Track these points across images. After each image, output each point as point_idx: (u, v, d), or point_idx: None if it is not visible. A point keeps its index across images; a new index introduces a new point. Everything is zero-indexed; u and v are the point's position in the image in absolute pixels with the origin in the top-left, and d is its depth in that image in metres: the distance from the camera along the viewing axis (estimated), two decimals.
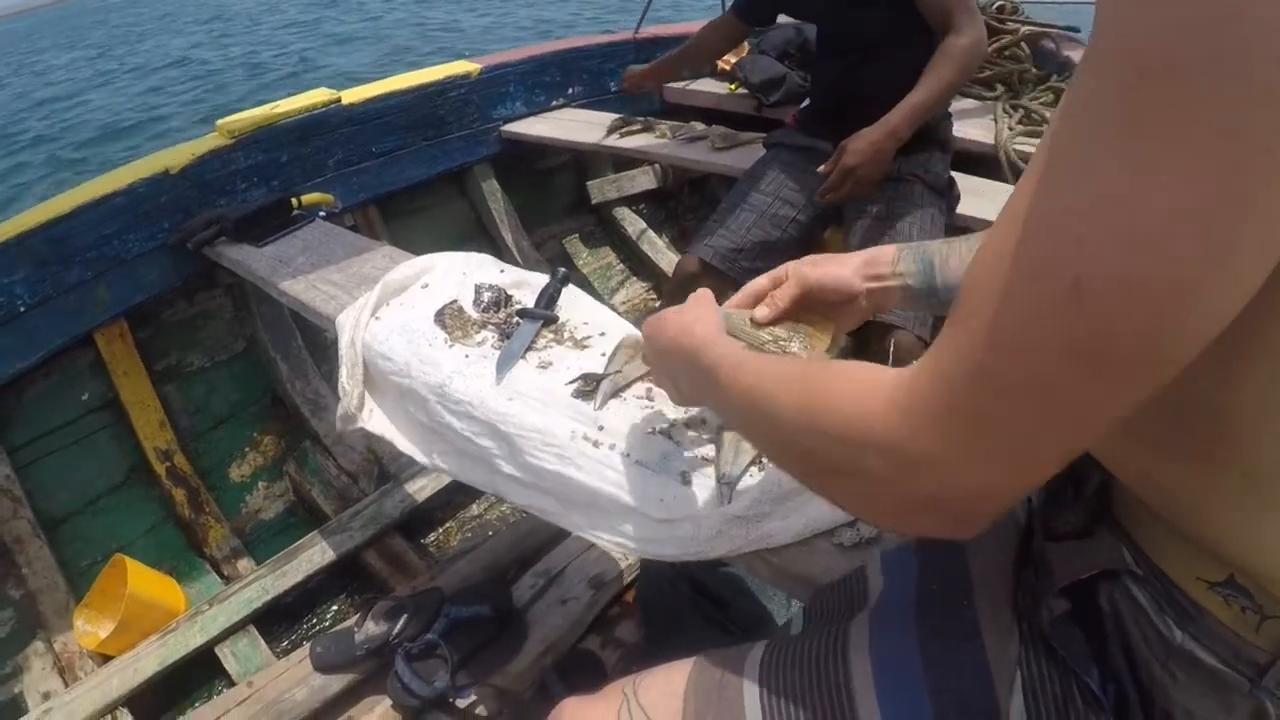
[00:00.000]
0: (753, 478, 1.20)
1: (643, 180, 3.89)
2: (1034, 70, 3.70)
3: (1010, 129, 3.02)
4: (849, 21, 2.14)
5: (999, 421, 0.51)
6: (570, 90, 3.68)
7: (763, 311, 1.07)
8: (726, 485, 1.19)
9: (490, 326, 1.58)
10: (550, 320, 1.58)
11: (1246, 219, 0.40)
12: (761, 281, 1.12)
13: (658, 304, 3.58)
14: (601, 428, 1.31)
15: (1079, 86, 0.45)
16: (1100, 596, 0.70)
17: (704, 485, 1.20)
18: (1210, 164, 0.39)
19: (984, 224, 2.27)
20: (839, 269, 1.06)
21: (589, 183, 3.82)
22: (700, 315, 0.97)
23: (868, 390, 0.60)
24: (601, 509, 1.25)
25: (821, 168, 2.04)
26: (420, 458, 1.56)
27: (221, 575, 2.35)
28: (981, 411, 0.52)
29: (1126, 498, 0.69)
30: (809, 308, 1.08)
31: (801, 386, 0.67)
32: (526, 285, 1.73)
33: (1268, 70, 0.36)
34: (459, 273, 1.75)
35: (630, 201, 3.92)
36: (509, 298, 1.67)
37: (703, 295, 1.04)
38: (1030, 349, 0.48)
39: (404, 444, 1.57)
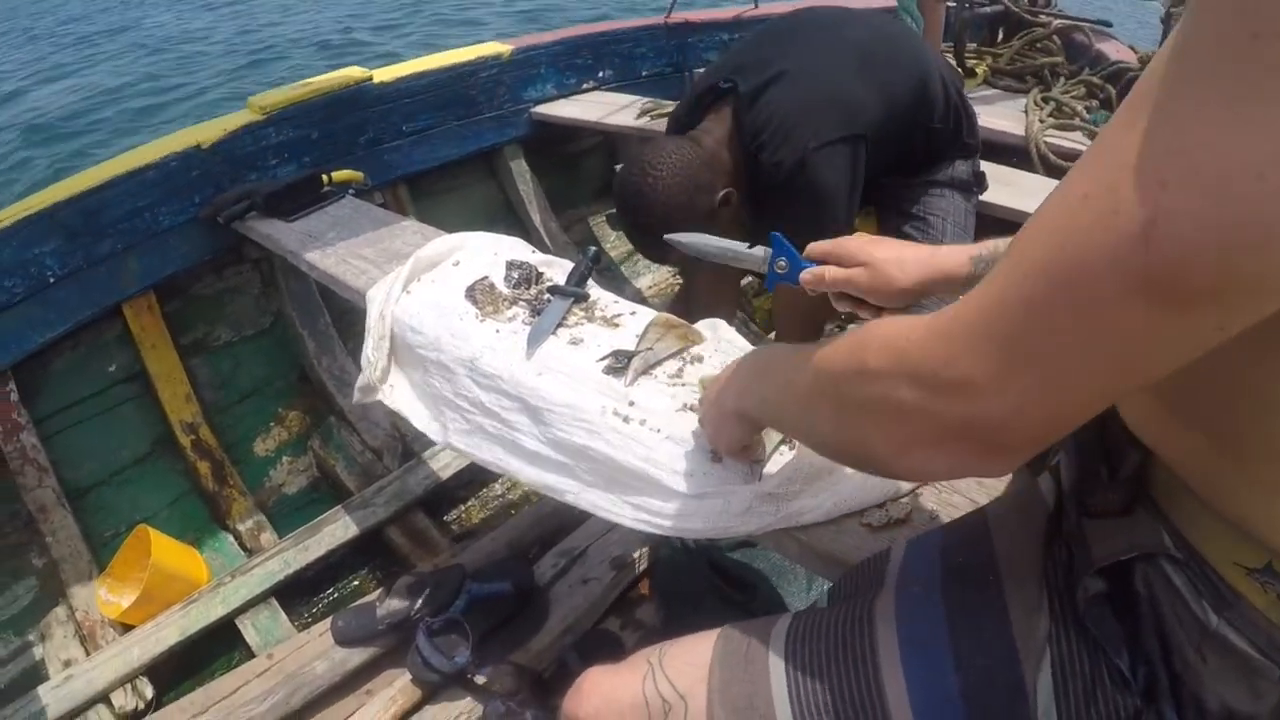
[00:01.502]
0: (784, 456, 1.20)
1: None
2: (1065, 64, 3.68)
3: (1041, 121, 2.99)
4: None
5: (1038, 348, 0.52)
6: (601, 73, 3.66)
7: (807, 278, 1.15)
8: (756, 462, 1.19)
9: (521, 303, 1.59)
10: (581, 298, 1.58)
11: None
12: (823, 246, 1.18)
13: None
14: (632, 403, 1.31)
15: (1183, 34, 0.45)
16: (1135, 578, 0.70)
17: (734, 462, 1.20)
18: None
19: (1013, 212, 2.27)
20: (896, 290, 1.11)
21: (618, 166, 3.80)
22: None
23: (910, 322, 0.62)
24: (629, 484, 1.26)
25: None
26: (435, 435, 1.56)
27: (244, 548, 2.37)
28: (1022, 337, 0.53)
29: (1166, 479, 0.68)
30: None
31: (857, 333, 0.69)
32: (557, 265, 1.74)
33: None
34: (490, 252, 1.76)
35: None
36: (540, 275, 1.68)
37: None
38: (1085, 282, 0.48)
39: (420, 421, 1.58)
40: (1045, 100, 3.23)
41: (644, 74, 3.81)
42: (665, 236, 1.38)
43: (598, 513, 1.31)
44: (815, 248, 1.20)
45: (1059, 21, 3.99)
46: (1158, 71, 0.46)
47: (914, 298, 1.12)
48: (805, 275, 1.16)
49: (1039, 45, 3.82)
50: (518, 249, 1.79)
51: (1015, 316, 0.53)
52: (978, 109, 2.79)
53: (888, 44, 2.00)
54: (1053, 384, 0.54)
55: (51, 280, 2.24)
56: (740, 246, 1.27)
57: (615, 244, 3.76)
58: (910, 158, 2.05)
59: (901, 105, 1.89)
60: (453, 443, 1.53)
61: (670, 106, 3.21)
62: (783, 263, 1.18)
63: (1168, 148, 0.44)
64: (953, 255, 1.12)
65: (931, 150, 2.07)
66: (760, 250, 1.23)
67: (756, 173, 1.85)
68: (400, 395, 1.62)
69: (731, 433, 1.12)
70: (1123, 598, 0.71)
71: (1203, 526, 0.65)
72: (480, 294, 1.60)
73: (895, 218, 2.15)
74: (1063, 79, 3.57)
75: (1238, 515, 0.62)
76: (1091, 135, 2.90)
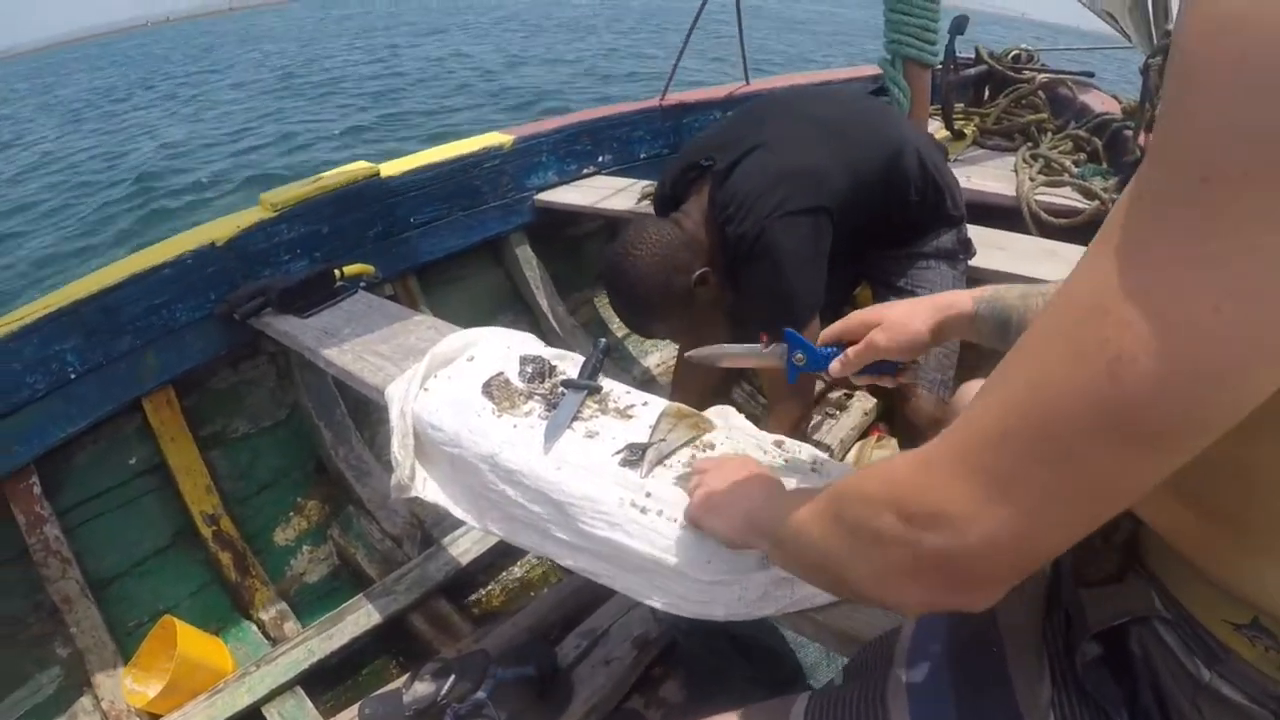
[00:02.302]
0: None
1: None
2: (1051, 119, 3.76)
3: (1031, 179, 3.06)
4: None
5: (1013, 482, 0.54)
6: (600, 158, 3.76)
7: (836, 368, 1.20)
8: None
9: (536, 397, 1.64)
10: (594, 390, 1.64)
11: None
12: (833, 329, 1.24)
13: None
14: (649, 494, 1.36)
15: (1141, 179, 0.49)
16: (1131, 640, 0.74)
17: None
18: (1264, 264, 0.43)
19: (1006, 276, 2.31)
20: (912, 333, 1.16)
21: None
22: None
23: (903, 455, 0.64)
24: (651, 573, 1.30)
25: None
26: (474, 523, 1.61)
27: (268, 637, 2.39)
28: (997, 470, 0.55)
29: (1155, 544, 0.73)
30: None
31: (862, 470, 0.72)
32: (568, 359, 1.79)
33: None
34: (503, 346, 1.81)
35: None
36: (553, 368, 1.73)
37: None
38: (1057, 419, 0.51)
39: (458, 510, 1.63)
40: (1034, 158, 3.31)
41: (642, 156, 3.91)
42: (688, 355, 1.45)
43: (631, 594, 1.36)
44: (828, 331, 1.25)
45: (1043, 77, 4.07)
46: (1118, 216, 0.50)
47: (931, 340, 1.18)
48: (834, 366, 1.22)
49: (1024, 102, 3.90)
50: (529, 343, 1.85)
51: (991, 450, 0.55)
52: (968, 170, 2.84)
53: (860, 121, 2.06)
54: (1027, 517, 0.55)
55: (72, 376, 2.29)
56: (757, 348, 1.32)
57: (621, 325, 3.79)
58: (889, 231, 2.10)
59: (870, 178, 1.94)
60: (491, 529, 1.58)
61: None
62: (800, 355, 1.24)
63: (1127, 288, 0.48)
64: (956, 295, 1.18)
65: (912, 223, 2.12)
66: (777, 348, 1.28)
67: (725, 247, 1.91)
68: (433, 489, 1.67)
69: (731, 537, 1.12)
70: (1120, 659, 0.75)
71: (1191, 588, 0.69)
72: (496, 389, 1.65)
73: (884, 291, 2.20)
74: (1050, 134, 3.64)
75: (1224, 577, 0.66)
76: (1081, 190, 2.96)
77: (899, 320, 1.17)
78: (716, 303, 1.98)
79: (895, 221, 2.08)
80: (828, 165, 1.88)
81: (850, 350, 1.21)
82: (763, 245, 1.82)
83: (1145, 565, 0.74)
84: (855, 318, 1.22)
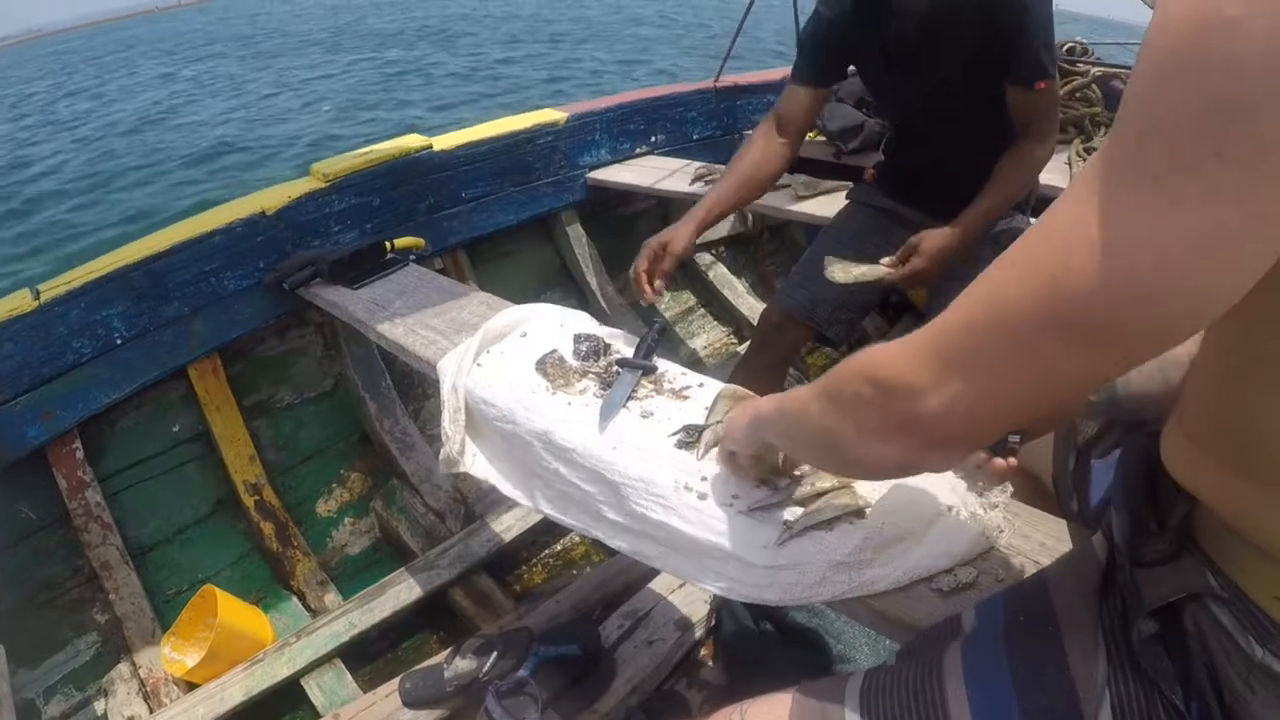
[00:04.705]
0: (854, 526, 1.23)
1: (723, 226, 3.95)
2: (1105, 113, 3.69)
3: None
4: (910, 106, 2.14)
5: (970, 362, 0.65)
6: (653, 138, 3.75)
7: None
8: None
9: (591, 376, 1.62)
10: (649, 370, 1.62)
11: (1207, 246, 0.51)
12: None
13: (738, 349, 3.62)
14: (704, 478, 1.34)
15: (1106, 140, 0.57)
16: (1185, 618, 0.75)
17: (807, 532, 1.23)
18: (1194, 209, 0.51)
19: None
20: None
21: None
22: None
23: (896, 340, 0.74)
24: (706, 556, 1.28)
25: (886, 260, 2.03)
26: (524, 500, 1.60)
27: (308, 608, 2.40)
28: (960, 352, 0.66)
29: (1210, 526, 0.74)
30: None
31: None
32: (621, 337, 1.77)
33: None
34: (557, 323, 1.80)
35: (710, 246, 3.99)
36: (608, 347, 1.71)
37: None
38: (1010, 314, 0.62)
39: (507, 488, 1.62)
40: (1087, 152, 3.26)
41: (695, 137, 3.90)
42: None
43: (683, 577, 1.35)
44: None
45: (1097, 70, 4.01)
46: (1097, 162, 0.57)
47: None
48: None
49: (1079, 95, 3.83)
50: (582, 321, 1.84)
51: (956, 336, 0.66)
52: None
53: None
54: (977, 390, 0.66)
55: (119, 341, 2.31)
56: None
57: (669, 305, 3.82)
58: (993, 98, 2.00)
59: None
60: (541, 508, 1.57)
61: (721, 170, 3.26)
62: None
63: (1072, 217, 0.57)
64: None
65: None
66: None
67: None
68: (482, 465, 1.67)
69: (749, 449, 1.20)
70: (1174, 637, 0.76)
71: (1244, 565, 0.70)
72: (550, 367, 1.64)
73: (943, 279, 2.12)
74: (1103, 129, 3.58)
75: (1272, 545, 0.67)
76: None
77: None
78: None
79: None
80: None
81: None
82: None
83: (1199, 546, 0.75)
84: None
